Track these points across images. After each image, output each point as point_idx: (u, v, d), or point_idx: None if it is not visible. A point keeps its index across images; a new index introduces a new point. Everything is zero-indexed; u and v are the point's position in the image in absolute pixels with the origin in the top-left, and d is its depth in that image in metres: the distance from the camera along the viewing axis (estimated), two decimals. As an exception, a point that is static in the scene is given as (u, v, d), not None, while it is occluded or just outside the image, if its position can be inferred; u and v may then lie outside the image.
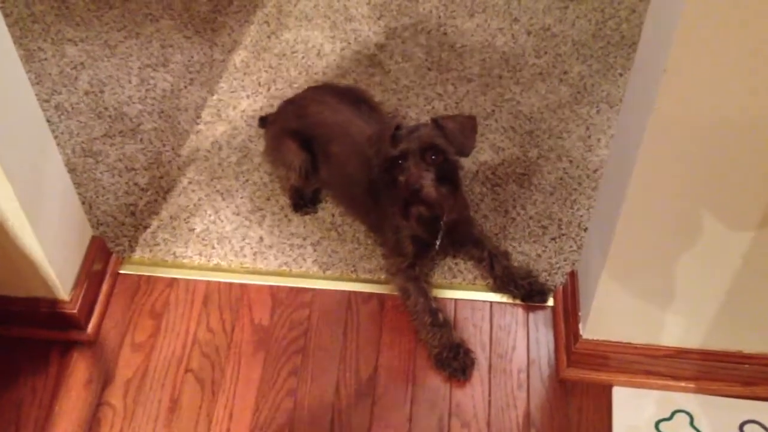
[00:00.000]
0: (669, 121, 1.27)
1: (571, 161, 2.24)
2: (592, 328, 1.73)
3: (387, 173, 1.83)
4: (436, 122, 1.83)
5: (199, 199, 2.17)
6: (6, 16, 2.64)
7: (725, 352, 1.72)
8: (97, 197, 2.17)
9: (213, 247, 2.07)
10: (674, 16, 1.15)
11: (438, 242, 1.92)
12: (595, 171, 2.21)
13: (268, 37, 2.60)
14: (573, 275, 1.87)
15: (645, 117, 1.29)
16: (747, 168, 1.33)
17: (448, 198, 1.79)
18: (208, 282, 2.01)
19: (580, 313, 1.77)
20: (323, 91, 2.22)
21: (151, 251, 2.06)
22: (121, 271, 2.02)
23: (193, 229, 2.11)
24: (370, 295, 1.98)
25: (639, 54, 1.39)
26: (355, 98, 2.21)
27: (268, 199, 2.17)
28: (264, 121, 2.29)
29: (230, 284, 2.00)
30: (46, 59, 2.53)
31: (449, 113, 2.35)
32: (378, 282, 2.00)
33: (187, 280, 2.01)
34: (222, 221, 2.12)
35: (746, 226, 1.43)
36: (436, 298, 1.92)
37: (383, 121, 2.14)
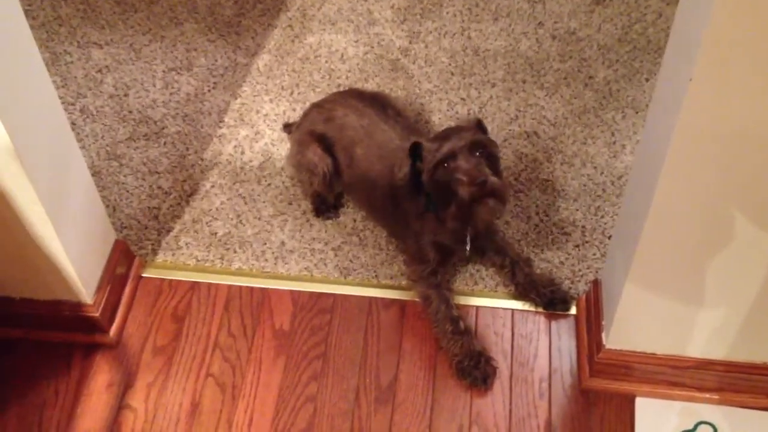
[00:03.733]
0: (695, 130, 1.25)
1: (595, 167, 2.22)
2: (616, 338, 1.71)
3: (435, 182, 1.79)
4: (479, 123, 1.87)
5: (222, 203, 2.18)
6: (32, 19, 2.66)
7: (750, 363, 1.70)
8: (121, 200, 2.19)
9: (235, 251, 2.08)
10: (701, 24, 1.13)
11: (468, 247, 1.90)
12: (619, 178, 2.19)
13: (292, 41, 2.60)
14: (596, 283, 1.85)
15: (671, 126, 1.27)
16: (775, 176, 1.31)
17: (507, 186, 1.77)
18: (230, 286, 2.01)
19: (603, 322, 1.75)
20: (350, 95, 2.22)
21: (173, 255, 2.07)
22: (143, 275, 2.03)
23: (215, 233, 2.11)
24: (392, 301, 1.98)
25: (665, 62, 1.37)
26: (381, 103, 2.20)
27: (290, 204, 2.17)
28: (289, 128, 2.29)
29: (251, 288, 2.01)
30: (71, 62, 2.55)
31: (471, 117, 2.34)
32: (399, 288, 2.00)
33: (209, 284, 2.02)
34: (244, 225, 2.13)
35: (774, 236, 1.41)
36: (457, 306, 1.91)
37: (409, 126, 2.13)
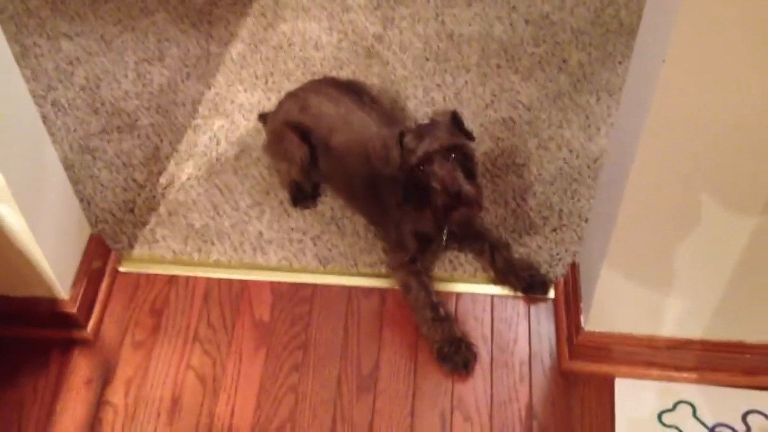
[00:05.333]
0: (668, 113, 1.26)
1: (571, 151, 2.23)
2: (594, 320, 1.72)
3: (411, 182, 1.81)
4: (454, 116, 1.84)
5: (198, 195, 2.16)
6: (1, 12, 2.62)
7: (727, 342, 1.71)
8: (95, 194, 2.16)
9: (212, 243, 2.06)
10: (674, 5, 1.13)
11: (444, 238, 1.91)
12: (595, 160, 2.20)
13: (265, 29, 2.58)
14: (574, 266, 1.86)
15: (644, 108, 1.28)
16: (748, 158, 1.32)
17: (481, 192, 1.80)
18: (208, 278, 2.00)
19: (581, 305, 1.76)
20: (325, 83, 2.20)
21: (150, 248, 2.05)
22: (120, 269, 2.01)
23: (192, 225, 2.10)
24: (371, 289, 1.97)
25: (638, 43, 1.37)
26: (356, 91, 2.19)
27: (267, 194, 2.16)
28: (264, 118, 2.27)
29: (230, 280, 2.00)
30: (42, 55, 2.51)
31: (448, 105, 2.34)
32: (379, 276, 1.99)
33: (187, 277, 2.00)
34: (221, 216, 2.11)
35: (748, 215, 1.42)
36: (437, 292, 1.91)
37: (385, 113, 2.13)
